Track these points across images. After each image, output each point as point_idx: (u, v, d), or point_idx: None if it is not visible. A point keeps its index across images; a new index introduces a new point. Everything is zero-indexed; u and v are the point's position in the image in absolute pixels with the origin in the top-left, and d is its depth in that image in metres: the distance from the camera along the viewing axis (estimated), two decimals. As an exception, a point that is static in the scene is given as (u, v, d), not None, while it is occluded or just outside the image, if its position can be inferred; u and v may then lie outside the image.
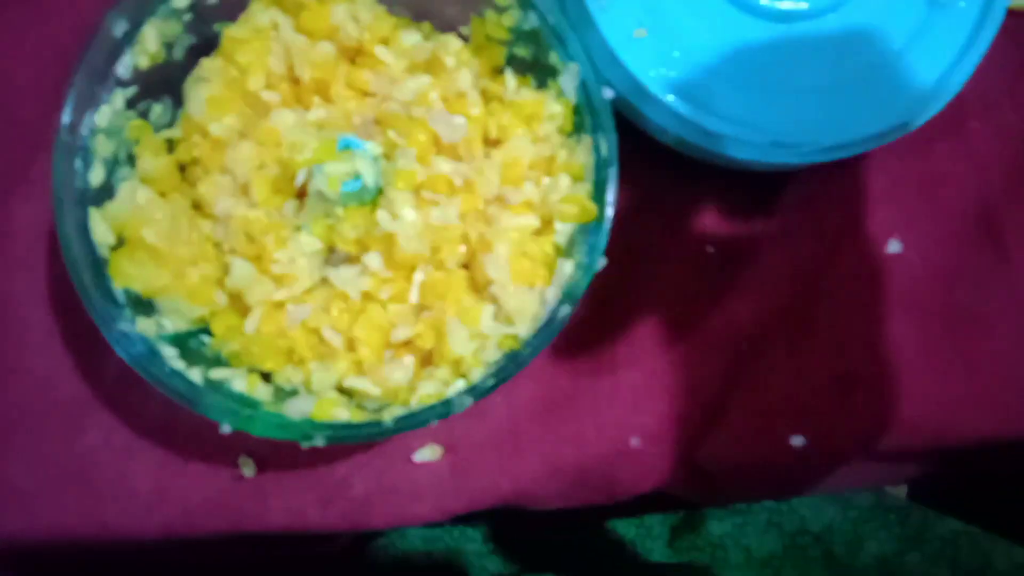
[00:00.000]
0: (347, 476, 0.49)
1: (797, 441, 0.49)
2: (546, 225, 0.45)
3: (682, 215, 0.52)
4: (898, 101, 0.48)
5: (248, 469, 0.49)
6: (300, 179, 0.46)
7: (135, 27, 0.44)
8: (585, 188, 0.44)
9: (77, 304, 0.42)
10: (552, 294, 0.44)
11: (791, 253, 0.52)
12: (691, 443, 0.49)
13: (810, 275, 0.52)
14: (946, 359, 0.51)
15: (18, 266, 0.51)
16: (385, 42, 0.49)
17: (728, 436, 0.49)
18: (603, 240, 0.42)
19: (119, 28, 0.44)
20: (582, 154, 0.45)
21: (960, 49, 0.48)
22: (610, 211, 0.43)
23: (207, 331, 0.47)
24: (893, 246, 0.52)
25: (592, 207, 0.44)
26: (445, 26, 0.51)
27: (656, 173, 0.52)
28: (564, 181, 0.45)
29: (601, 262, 0.42)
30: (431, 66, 0.49)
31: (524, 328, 0.43)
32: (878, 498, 0.55)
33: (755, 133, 0.48)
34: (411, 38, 0.49)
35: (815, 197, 0.52)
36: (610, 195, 0.43)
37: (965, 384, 0.50)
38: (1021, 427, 0.50)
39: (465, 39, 0.50)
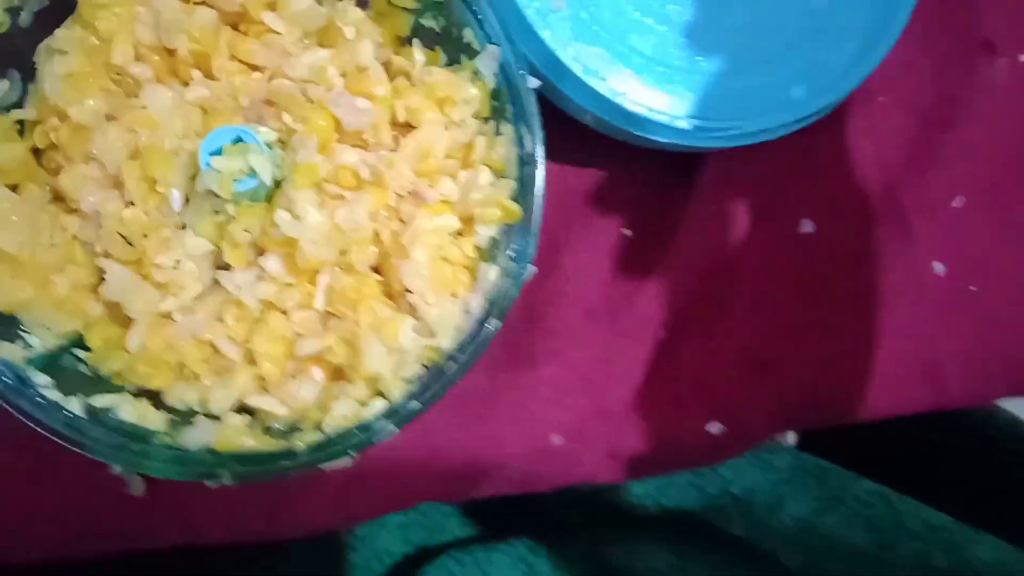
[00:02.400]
0: (245, 487, 0.46)
1: (714, 428, 0.49)
2: (466, 225, 0.42)
3: (598, 198, 0.50)
4: (819, 81, 0.46)
5: (137, 487, 0.44)
6: (183, 174, 0.40)
7: (-31, -9, 0.37)
8: (508, 186, 0.41)
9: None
10: (476, 303, 0.40)
11: (707, 235, 0.51)
12: (611, 436, 0.48)
13: (726, 257, 0.51)
14: (856, 338, 0.51)
15: None
16: (271, 7, 0.43)
17: (647, 427, 0.48)
18: (531, 246, 0.40)
19: (-50, -5, 0.36)
20: (503, 146, 0.41)
21: (875, 27, 0.47)
22: (538, 214, 0.40)
23: (82, 344, 0.41)
24: (806, 226, 0.52)
25: (515, 209, 0.40)
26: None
27: (572, 154, 0.49)
28: (484, 177, 0.41)
29: (529, 271, 0.39)
30: (326, 36, 0.44)
31: (447, 340, 0.40)
32: (798, 460, 0.56)
33: (676, 116, 0.45)
34: (302, 3, 0.43)
35: (731, 178, 0.51)
36: (537, 195, 0.40)
37: (871, 362, 0.51)
38: (925, 401, 0.51)
39: (363, 4, 0.44)
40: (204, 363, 0.41)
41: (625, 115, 0.45)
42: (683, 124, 0.45)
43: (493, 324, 0.39)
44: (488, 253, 0.41)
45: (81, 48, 0.40)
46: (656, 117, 0.45)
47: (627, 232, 0.50)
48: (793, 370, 0.50)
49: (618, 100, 0.44)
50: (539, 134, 0.40)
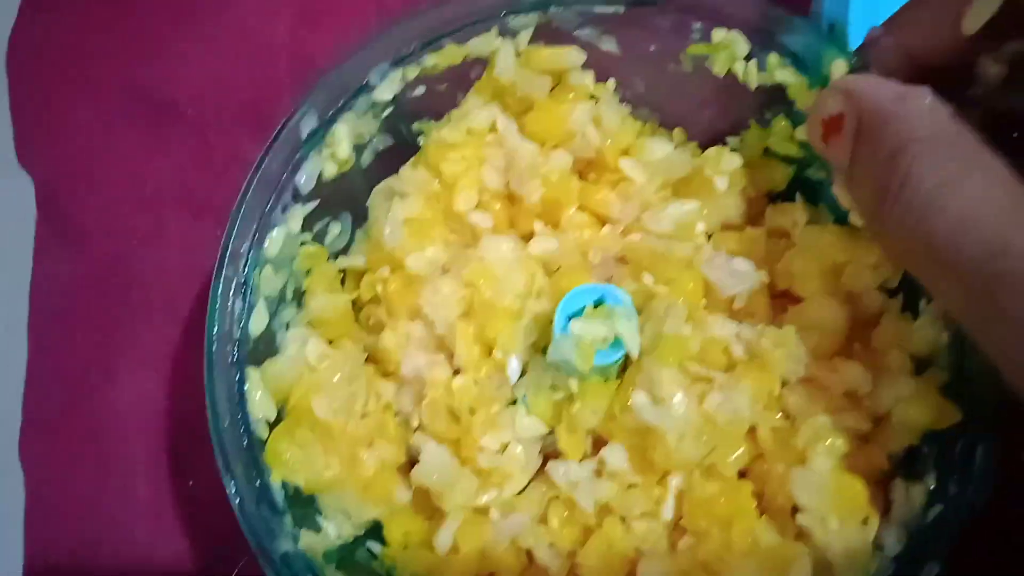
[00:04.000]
0: None
1: None
2: (875, 428, 0.32)
3: None
4: None
5: None
6: (522, 339, 0.33)
7: (324, 125, 0.33)
8: (936, 378, 0.31)
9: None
10: (892, 536, 0.30)
11: None
12: None
13: None
14: None
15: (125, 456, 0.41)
16: (627, 153, 0.37)
17: None
18: (982, 458, 0.29)
19: (306, 127, 0.32)
20: (927, 326, 0.32)
21: None
22: (994, 415, 0.29)
23: (376, 535, 0.34)
24: None
25: (952, 409, 0.30)
26: (701, 135, 0.39)
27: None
28: (902, 364, 0.32)
29: (981, 493, 0.29)
30: (689, 187, 0.37)
31: (849, 586, 0.30)
32: None
33: None
34: (663, 149, 0.37)
35: None
36: (994, 389, 0.29)
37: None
38: None
39: (733, 151, 0.37)
40: (519, 577, 0.33)
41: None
42: None
43: (927, 570, 0.28)
44: (907, 468, 0.31)
45: (423, 192, 0.35)
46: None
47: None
48: None
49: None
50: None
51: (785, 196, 0.37)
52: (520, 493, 0.34)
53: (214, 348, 0.30)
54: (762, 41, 0.33)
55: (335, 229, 0.36)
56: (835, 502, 0.30)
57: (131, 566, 0.40)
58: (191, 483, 0.40)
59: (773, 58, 0.33)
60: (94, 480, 0.41)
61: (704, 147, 0.38)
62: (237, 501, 0.29)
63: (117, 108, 0.46)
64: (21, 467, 0.42)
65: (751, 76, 0.34)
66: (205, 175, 0.45)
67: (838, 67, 0.32)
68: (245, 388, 0.31)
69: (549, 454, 0.34)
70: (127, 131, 0.46)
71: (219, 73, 0.46)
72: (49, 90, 0.47)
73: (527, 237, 0.36)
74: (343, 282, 0.37)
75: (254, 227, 0.32)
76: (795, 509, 0.31)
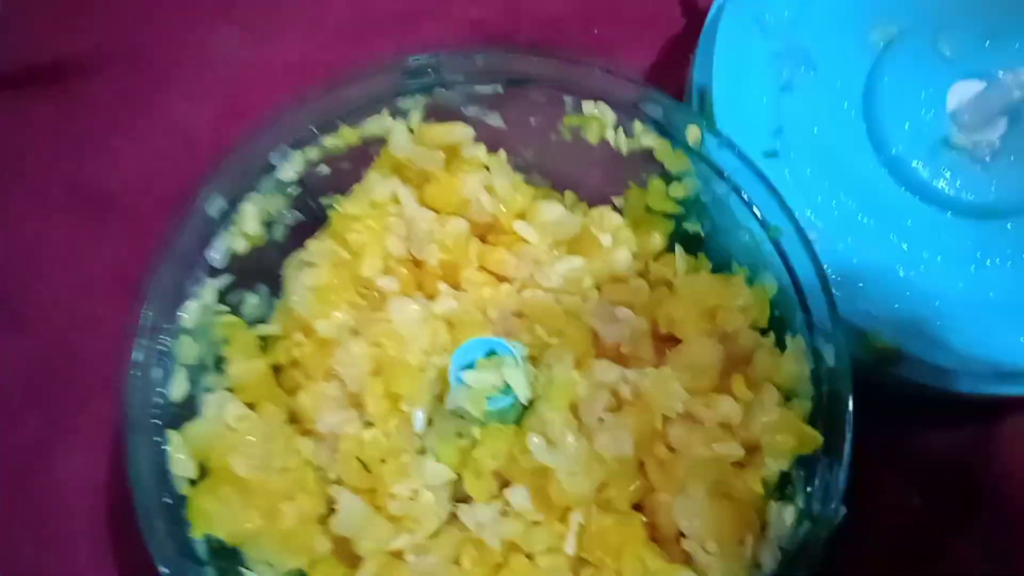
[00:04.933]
0: None
1: None
2: (750, 455, 0.35)
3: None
4: None
5: None
6: (427, 392, 0.36)
7: (232, 205, 0.36)
8: (801, 408, 0.34)
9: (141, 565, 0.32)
10: (768, 555, 0.32)
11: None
12: None
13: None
14: None
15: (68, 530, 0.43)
16: (522, 216, 0.40)
17: None
18: (840, 478, 0.32)
19: (214, 207, 0.35)
20: (791, 361, 0.35)
21: None
22: (849, 440, 0.32)
23: (302, 584, 0.36)
24: None
25: (814, 435, 0.33)
26: (592, 196, 0.42)
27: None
28: (771, 397, 0.35)
29: (840, 513, 0.31)
30: (579, 244, 0.40)
31: (730, 603, 0.32)
32: None
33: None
34: (554, 211, 0.40)
35: None
36: (847, 418, 0.32)
37: None
38: None
39: (618, 210, 0.41)
40: (436, 614, 0.35)
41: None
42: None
43: (796, 585, 0.31)
44: (777, 490, 0.34)
45: (330, 261, 0.38)
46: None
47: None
48: None
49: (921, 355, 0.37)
50: (843, 344, 0.33)
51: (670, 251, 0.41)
52: (434, 537, 0.36)
53: (133, 413, 0.33)
54: (626, 111, 0.37)
55: (252, 300, 0.39)
56: (712, 526, 0.33)
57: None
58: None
59: (638, 125, 0.37)
60: (37, 556, 0.43)
61: (593, 207, 0.41)
62: (159, 556, 0.31)
63: (57, 200, 0.49)
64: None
65: (621, 142, 0.38)
66: (141, 261, 0.48)
67: (692, 133, 0.36)
68: (167, 449, 0.34)
69: (460, 499, 0.37)
70: (67, 222, 0.49)
71: (150, 165, 0.49)
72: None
73: (434, 297, 0.39)
74: (264, 348, 0.39)
75: (169, 300, 0.35)
76: (681, 535, 0.34)
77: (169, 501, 0.33)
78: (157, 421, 0.34)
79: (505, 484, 0.36)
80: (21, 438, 0.45)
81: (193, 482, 0.34)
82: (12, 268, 0.49)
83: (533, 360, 0.37)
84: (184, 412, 0.35)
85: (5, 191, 0.50)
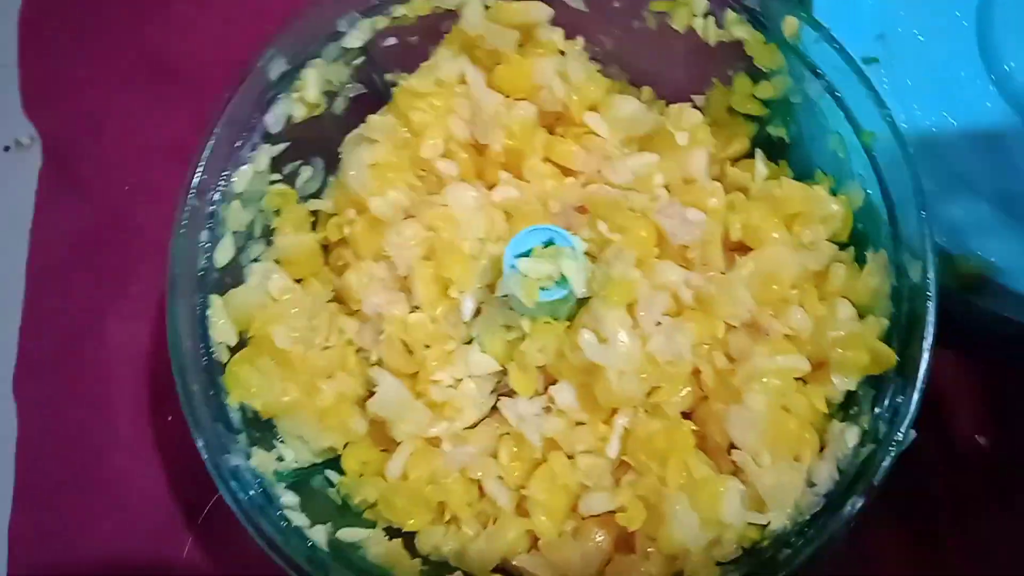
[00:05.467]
0: None
1: None
2: (817, 371, 0.32)
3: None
4: None
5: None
6: (478, 280, 0.34)
7: (294, 69, 0.34)
8: (876, 325, 0.32)
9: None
10: (825, 473, 0.30)
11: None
12: None
13: None
14: None
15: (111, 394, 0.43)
16: (594, 109, 0.38)
17: None
18: (911, 404, 0.29)
19: (275, 69, 0.34)
20: (871, 275, 0.32)
21: None
22: (925, 362, 0.30)
23: (335, 466, 0.35)
24: None
25: (889, 354, 0.31)
26: (671, 94, 0.39)
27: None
28: (844, 311, 0.32)
29: (909, 437, 0.29)
30: (653, 142, 0.38)
31: (780, 519, 0.30)
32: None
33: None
34: (629, 106, 0.38)
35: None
36: (926, 339, 0.30)
37: None
38: None
39: (698, 109, 0.38)
40: (468, 507, 0.34)
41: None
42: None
43: (851, 505, 0.29)
44: (844, 410, 0.32)
45: (391, 138, 0.36)
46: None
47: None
48: None
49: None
50: (932, 261, 0.30)
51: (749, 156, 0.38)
52: (473, 428, 0.35)
53: (177, 270, 0.32)
54: (719, -3, 0.34)
55: (306, 172, 0.37)
56: (768, 439, 0.31)
57: (113, 497, 0.42)
58: (170, 418, 0.42)
59: (730, 14, 0.34)
60: (81, 416, 0.43)
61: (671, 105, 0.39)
62: (191, 415, 0.31)
63: (121, 66, 0.49)
64: (15, 402, 0.44)
65: (710, 32, 0.35)
66: (202, 130, 0.47)
67: (789, 24, 0.33)
68: (208, 313, 0.33)
69: (504, 394, 0.35)
70: (129, 88, 0.48)
71: (218, 34, 0.48)
72: (57, 48, 0.49)
73: (493, 187, 0.37)
74: (315, 225, 0.38)
75: (223, 163, 0.33)
76: (732, 447, 0.32)
77: (207, 364, 0.32)
78: (200, 284, 0.33)
79: (551, 383, 0.35)
80: (71, 301, 0.45)
81: (232, 350, 0.33)
82: (74, 133, 0.48)
83: (592, 257, 0.35)
84: (228, 280, 0.34)
85: (73, 56, 0.50)
